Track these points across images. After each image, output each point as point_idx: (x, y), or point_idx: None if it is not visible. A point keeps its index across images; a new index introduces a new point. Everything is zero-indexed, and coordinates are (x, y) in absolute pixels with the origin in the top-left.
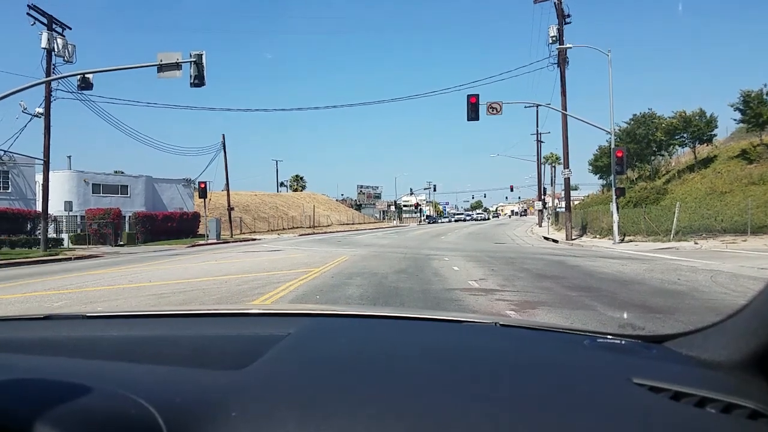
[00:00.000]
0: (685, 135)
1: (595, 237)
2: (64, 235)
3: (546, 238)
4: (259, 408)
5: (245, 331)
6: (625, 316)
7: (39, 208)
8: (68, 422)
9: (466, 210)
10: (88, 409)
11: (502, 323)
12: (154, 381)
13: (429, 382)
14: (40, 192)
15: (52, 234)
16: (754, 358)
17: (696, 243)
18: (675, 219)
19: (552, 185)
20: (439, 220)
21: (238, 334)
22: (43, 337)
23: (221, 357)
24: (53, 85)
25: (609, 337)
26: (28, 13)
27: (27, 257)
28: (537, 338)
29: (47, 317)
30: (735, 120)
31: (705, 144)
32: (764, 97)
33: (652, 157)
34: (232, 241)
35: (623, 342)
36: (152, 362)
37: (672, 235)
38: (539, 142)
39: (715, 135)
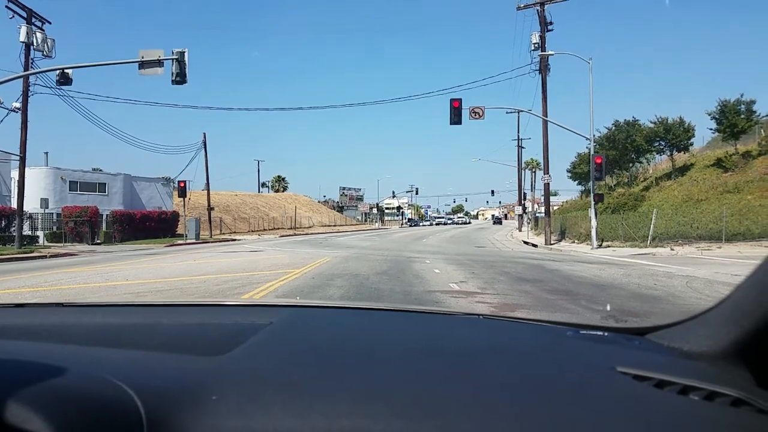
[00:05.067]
0: (663, 142)
1: (574, 242)
2: (40, 233)
3: (526, 243)
4: (241, 392)
5: (226, 320)
6: (608, 308)
7: (14, 204)
8: (44, 402)
9: (447, 214)
10: (65, 390)
11: (485, 316)
12: (132, 365)
13: (412, 368)
14: (16, 188)
15: (27, 231)
16: (736, 347)
17: (672, 249)
18: (652, 225)
19: (532, 190)
20: (421, 224)
21: (219, 323)
22: (18, 324)
23: (202, 343)
24: (31, 79)
25: (592, 330)
26: (7, 6)
27: (0, 254)
28: (521, 330)
29: (21, 305)
30: (711, 129)
31: (682, 152)
32: (739, 107)
33: (631, 164)
34: (212, 241)
35: (606, 334)
36: (130, 347)
37: (649, 241)
38: (520, 147)
39: (692, 144)
